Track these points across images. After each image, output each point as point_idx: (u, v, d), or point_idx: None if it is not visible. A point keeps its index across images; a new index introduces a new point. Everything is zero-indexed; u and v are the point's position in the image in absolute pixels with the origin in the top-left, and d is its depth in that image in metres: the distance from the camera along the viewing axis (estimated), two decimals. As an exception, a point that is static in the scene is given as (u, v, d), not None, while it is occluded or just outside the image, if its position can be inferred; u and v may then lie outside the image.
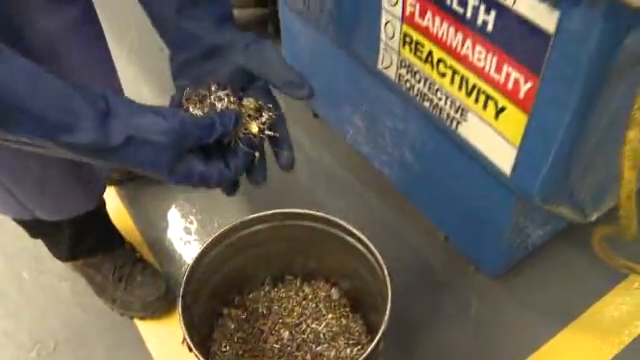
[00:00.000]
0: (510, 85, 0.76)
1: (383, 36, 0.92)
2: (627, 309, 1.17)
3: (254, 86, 0.69)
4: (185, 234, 1.35)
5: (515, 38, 0.72)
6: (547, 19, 0.66)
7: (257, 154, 0.66)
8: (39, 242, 1.14)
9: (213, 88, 0.66)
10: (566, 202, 0.89)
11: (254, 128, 0.65)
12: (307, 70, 1.35)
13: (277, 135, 0.68)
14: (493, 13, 0.72)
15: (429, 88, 0.90)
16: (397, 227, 1.34)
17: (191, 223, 1.38)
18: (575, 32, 0.65)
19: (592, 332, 1.15)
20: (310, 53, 1.30)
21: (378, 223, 1.35)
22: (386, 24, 0.90)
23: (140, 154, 0.57)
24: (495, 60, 0.76)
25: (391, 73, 0.96)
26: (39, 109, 0.51)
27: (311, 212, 0.99)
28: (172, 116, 0.58)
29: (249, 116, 0.65)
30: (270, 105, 0.68)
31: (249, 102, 0.66)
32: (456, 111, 0.87)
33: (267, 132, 0.66)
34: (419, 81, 0.91)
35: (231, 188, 0.70)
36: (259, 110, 0.66)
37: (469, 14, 0.76)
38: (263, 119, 0.66)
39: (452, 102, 0.87)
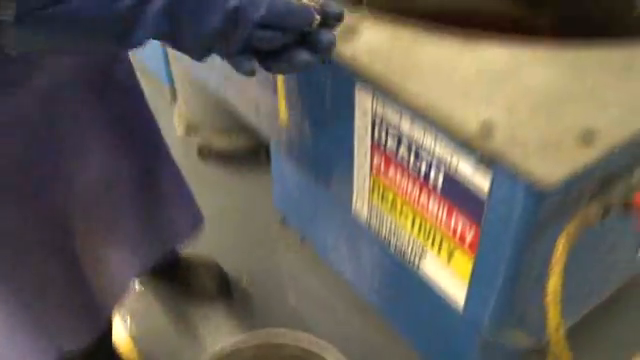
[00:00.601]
0: (458, 232, 0.89)
1: (356, 184, 1.07)
2: None
3: None
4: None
5: (459, 195, 0.86)
6: (482, 184, 0.81)
7: (317, 17, 0.65)
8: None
9: None
10: (517, 331, 1.01)
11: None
12: (295, 200, 1.50)
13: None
14: (441, 175, 0.87)
15: (395, 229, 1.03)
16: (377, 347, 1.44)
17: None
18: (503, 195, 0.79)
19: None
20: (298, 187, 1.45)
21: (359, 343, 1.45)
22: (358, 174, 1.05)
23: None
24: (446, 211, 0.90)
25: (363, 214, 1.09)
26: None
27: (294, 339, 1.10)
28: None
29: None
30: None
31: None
32: (417, 251, 1.01)
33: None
34: (386, 222, 1.05)
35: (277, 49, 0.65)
36: None
37: (423, 173, 0.90)
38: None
39: (414, 243, 1.00)
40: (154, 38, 0.62)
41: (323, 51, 0.67)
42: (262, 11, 0.61)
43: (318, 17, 0.65)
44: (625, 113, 0.83)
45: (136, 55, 1.12)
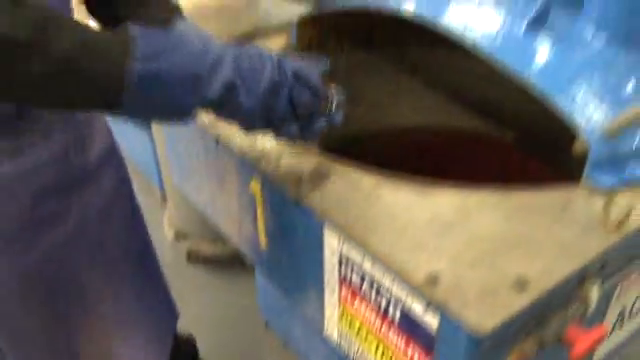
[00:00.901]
0: (415, 361, 1.01)
1: (327, 310, 1.18)
2: None
3: None
4: None
5: (414, 330, 0.98)
6: (431, 322, 0.93)
7: (336, 100, 0.95)
8: None
9: None
10: None
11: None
12: (277, 311, 1.61)
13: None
14: (398, 311, 0.99)
15: (362, 353, 1.14)
16: None
17: None
18: (449, 335, 0.91)
19: None
20: (278, 301, 1.57)
21: None
22: (329, 302, 1.17)
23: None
24: (404, 342, 1.02)
25: (334, 337, 1.21)
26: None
27: None
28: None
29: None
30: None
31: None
32: (381, 374, 1.12)
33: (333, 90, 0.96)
34: (354, 346, 1.16)
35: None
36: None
37: (383, 308, 1.02)
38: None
39: (378, 367, 1.12)
40: (216, 100, 0.78)
41: (336, 124, 0.97)
42: (294, 65, 0.85)
43: (336, 100, 0.95)
44: (557, 257, 0.96)
45: (129, 158, 1.23)
